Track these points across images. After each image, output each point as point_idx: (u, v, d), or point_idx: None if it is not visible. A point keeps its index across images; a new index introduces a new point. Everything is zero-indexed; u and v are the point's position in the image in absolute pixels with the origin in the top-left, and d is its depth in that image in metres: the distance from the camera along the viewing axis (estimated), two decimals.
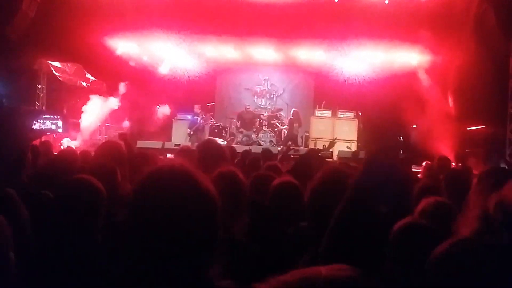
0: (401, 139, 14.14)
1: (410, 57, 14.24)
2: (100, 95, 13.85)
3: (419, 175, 6.64)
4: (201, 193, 1.26)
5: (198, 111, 14.03)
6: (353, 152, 11.37)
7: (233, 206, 2.27)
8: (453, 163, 7.30)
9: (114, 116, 14.66)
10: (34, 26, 11.94)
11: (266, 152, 7.19)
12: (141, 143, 12.40)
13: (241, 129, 14.26)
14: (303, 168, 4.48)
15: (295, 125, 13.86)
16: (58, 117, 12.02)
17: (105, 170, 2.97)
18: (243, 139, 14.05)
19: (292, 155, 10.08)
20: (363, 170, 1.82)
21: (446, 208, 2.72)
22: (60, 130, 11.91)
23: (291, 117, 13.99)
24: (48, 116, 11.97)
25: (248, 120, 14.28)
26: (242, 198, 2.45)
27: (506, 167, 9.93)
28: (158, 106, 14.36)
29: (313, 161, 5.28)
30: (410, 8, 12.54)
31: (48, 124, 11.75)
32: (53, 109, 13.41)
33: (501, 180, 2.51)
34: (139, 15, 13.18)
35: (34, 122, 11.47)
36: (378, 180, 1.64)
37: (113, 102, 13.70)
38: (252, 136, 14.06)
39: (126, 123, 14.11)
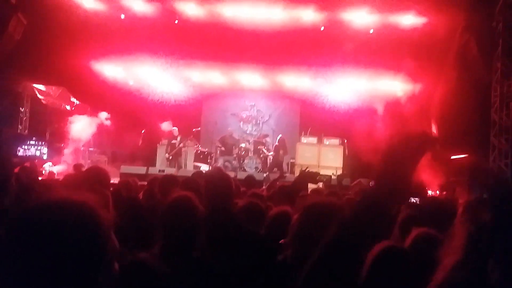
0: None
1: (394, 85, 14.46)
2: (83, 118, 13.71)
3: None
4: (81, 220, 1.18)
5: (176, 134, 13.84)
6: (338, 178, 11.32)
7: (189, 228, 2.39)
8: (434, 192, 7.30)
9: (97, 140, 14.49)
10: (19, 48, 11.87)
11: (250, 179, 7.10)
12: (124, 168, 12.23)
13: (223, 154, 14.16)
14: (287, 194, 4.42)
15: (281, 151, 13.84)
16: (43, 143, 11.84)
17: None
18: (225, 163, 13.94)
19: (278, 182, 9.99)
20: (357, 210, 1.76)
21: (436, 241, 2.67)
22: (44, 156, 11.70)
23: (277, 143, 13.97)
24: (32, 142, 11.78)
25: (229, 146, 14.19)
26: (197, 220, 2.47)
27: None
28: (143, 131, 14.24)
29: (299, 186, 5.24)
30: (394, 37, 12.80)
31: (33, 150, 11.56)
32: (36, 132, 13.20)
33: (485, 210, 2.48)
34: (126, 39, 13.25)
35: (19, 148, 11.27)
36: (370, 221, 1.59)
37: (96, 124, 13.52)
38: (233, 162, 13.95)
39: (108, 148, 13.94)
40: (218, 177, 3.33)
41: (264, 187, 7.57)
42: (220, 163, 13.94)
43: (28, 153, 11.40)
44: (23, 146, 11.49)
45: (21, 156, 11.10)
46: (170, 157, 13.62)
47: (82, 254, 1.16)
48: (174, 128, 13.83)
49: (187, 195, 2.55)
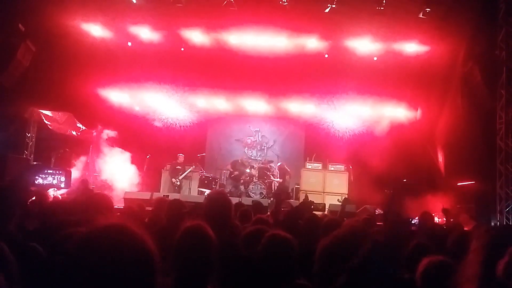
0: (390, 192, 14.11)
1: (398, 112, 14.52)
2: (89, 144, 13.79)
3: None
4: (138, 252, 1.28)
5: (181, 160, 13.93)
6: (342, 204, 11.25)
7: (204, 260, 2.31)
8: (440, 219, 7.23)
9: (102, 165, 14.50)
10: (28, 74, 12.02)
11: (257, 205, 7.09)
12: (129, 194, 12.20)
13: (232, 178, 14.14)
14: (293, 221, 4.40)
15: (287, 177, 13.89)
16: (61, 172, 11.85)
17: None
18: (231, 189, 13.93)
19: (283, 208, 9.94)
20: (387, 235, 1.77)
21: (450, 269, 2.66)
22: (62, 185, 11.70)
23: (277, 170, 14.07)
24: (50, 171, 11.80)
25: (240, 172, 14.19)
26: (212, 252, 2.37)
27: (499, 224, 9.89)
28: (148, 156, 14.27)
29: (304, 214, 5.21)
30: (398, 65, 12.92)
31: (50, 179, 11.58)
32: (41, 158, 13.24)
33: (500, 238, 2.47)
34: (132, 66, 13.44)
35: (37, 177, 11.28)
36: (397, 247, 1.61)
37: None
38: (240, 187, 13.95)
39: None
40: (217, 197, 3.39)
41: (268, 212, 7.52)
42: (228, 188, 13.93)
43: (46, 181, 11.43)
44: (40, 175, 11.49)
45: (39, 185, 11.11)
46: (178, 182, 13.66)
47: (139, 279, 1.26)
48: (180, 154, 13.92)
49: (200, 224, 2.46)
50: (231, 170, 14.21)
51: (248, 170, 14.25)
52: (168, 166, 14.12)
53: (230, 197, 3.76)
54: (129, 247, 1.27)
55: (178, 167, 13.81)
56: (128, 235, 1.30)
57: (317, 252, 2.17)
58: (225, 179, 14.73)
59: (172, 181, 13.72)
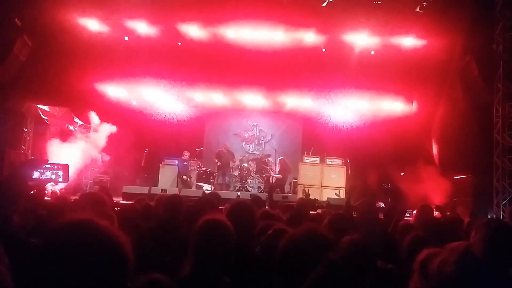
0: (389, 186, 14.17)
1: (395, 106, 14.56)
2: (86, 138, 13.76)
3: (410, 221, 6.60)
4: (102, 245, 1.33)
5: (186, 157, 14.01)
6: (346, 198, 11.30)
7: (223, 252, 2.38)
8: (437, 212, 7.25)
9: (99, 160, 14.49)
10: (24, 69, 11.98)
11: (256, 199, 7.08)
12: (127, 188, 12.22)
13: (219, 169, 14.13)
14: (299, 218, 4.42)
15: (286, 173, 14.00)
16: (59, 167, 11.81)
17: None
18: (226, 181, 14.00)
19: (281, 201, 9.99)
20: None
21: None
22: (60, 179, 11.66)
23: (278, 167, 14.09)
24: (48, 166, 11.77)
25: (225, 160, 14.12)
26: (229, 242, 2.46)
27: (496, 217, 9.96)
28: (145, 151, 14.27)
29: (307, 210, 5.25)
30: (395, 59, 12.92)
31: (48, 174, 11.55)
32: (39, 152, 13.22)
33: (497, 231, 2.51)
34: (130, 61, 13.38)
35: (34, 171, 11.25)
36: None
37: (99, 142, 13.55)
38: (226, 178, 13.96)
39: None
40: (241, 209, 3.26)
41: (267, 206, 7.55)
42: (220, 181, 13.94)
43: (43, 176, 11.41)
44: (38, 170, 11.48)
45: (36, 180, 11.09)
46: (188, 179, 13.79)
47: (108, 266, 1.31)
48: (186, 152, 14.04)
49: (220, 219, 2.54)
50: (216, 160, 14.19)
51: (245, 165, 14.28)
52: (171, 161, 14.10)
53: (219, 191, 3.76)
54: (95, 240, 1.32)
55: (185, 163, 13.92)
56: (93, 229, 1.35)
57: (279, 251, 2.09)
58: (216, 167, 14.73)
59: (183, 178, 13.77)
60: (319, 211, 8.86)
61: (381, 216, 6.17)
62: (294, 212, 4.74)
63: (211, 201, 4.69)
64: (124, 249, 1.35)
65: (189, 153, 14.16)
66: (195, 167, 14.27)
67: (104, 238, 1.33)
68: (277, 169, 14.33)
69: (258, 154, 15.56)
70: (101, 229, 1.35)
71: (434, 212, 6.86)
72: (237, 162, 14.42)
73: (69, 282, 1.25)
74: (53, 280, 1.26)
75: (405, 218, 7.92)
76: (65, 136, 13.45)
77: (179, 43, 13.30)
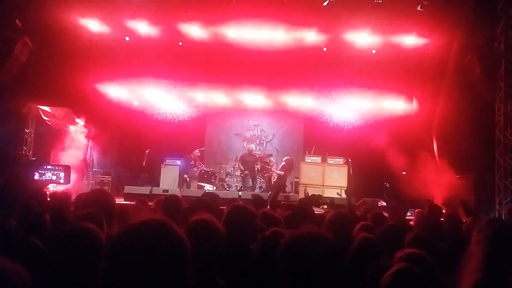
0: (387, 185, 14.16)
1: (397, 105, 14.52)
2: (88, 139, 13.78)
3: (411, 223, 6.59)
4: (175, 243, 1.44)
5: (197, 158, 14.10)
6: (347, 196, 11.27)
7: (212, 252, 2.37)
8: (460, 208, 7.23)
9: (101, 161, 14.52)
10: (25, 70, 11.98)
11: (258, 199, 7.06)
12: (128, 189, 12.23)
13: (245, 172, 14.05)
14: (299, 217, 4.40)
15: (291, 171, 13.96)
16: (60, 168, 11.80)
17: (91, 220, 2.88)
18: (228, 182, 14.01)
19: (283, 201, 9.96)
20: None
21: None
22: (61, 181, 11.66)
23: (283, 163, 13.94)
24: (49, 167, 11.77)
25: (251, 163, 14.09)
26: (218, 243, 2.44)
27: (498, 217, 9.93)
28: (147, 151, 14.27)
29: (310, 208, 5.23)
30: (397, 58, 12.89)
31: (49, 175, 11.54)
32: (40, 153, 13.23)
33: (500, 231, 2.48)
34: (131, 61, 13.38)
35: (35, 172, 11.25)
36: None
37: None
38: (237, 180, 14.00)
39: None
40: (239, 214, 3.18)
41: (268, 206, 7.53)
42: (249, 184, 13.92)
43: (45, 177, 11.42)
44: (39, 171, 11.46)
45: (38, 181, 11.07)
46: (189, 179, 13.93)
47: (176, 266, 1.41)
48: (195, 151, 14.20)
49: (207, 218, 2.49)
50: (241, 165, 14.13)
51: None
52: (168, 161, 14.08)
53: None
54: (167, 240, 1.42)
55: (191, 162, 14.06)
56: (166, 229, 1.46)
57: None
58: (224, 173, 14.74)
59: (184, 178, 13.79)
60: (324, 207, 8.85)
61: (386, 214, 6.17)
62: (294, 212, 4.71)
63: (206, 201, 4.65)
64: (189, 249, 1.48)
65: (199, 153, 14.17)
66: (198, 167, 14.26)
67: (177, 237, 1.45)
68: (280, 166, 14.21)
69: (259, 154, 15.54)
70: (174, 229, 1.48)
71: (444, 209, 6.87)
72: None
73: (148, 278, 1.34)
74: (131, 276, 1.35)
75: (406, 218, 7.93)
76: (66, 136, 13.49)
77: (180, 43, 13.29)
